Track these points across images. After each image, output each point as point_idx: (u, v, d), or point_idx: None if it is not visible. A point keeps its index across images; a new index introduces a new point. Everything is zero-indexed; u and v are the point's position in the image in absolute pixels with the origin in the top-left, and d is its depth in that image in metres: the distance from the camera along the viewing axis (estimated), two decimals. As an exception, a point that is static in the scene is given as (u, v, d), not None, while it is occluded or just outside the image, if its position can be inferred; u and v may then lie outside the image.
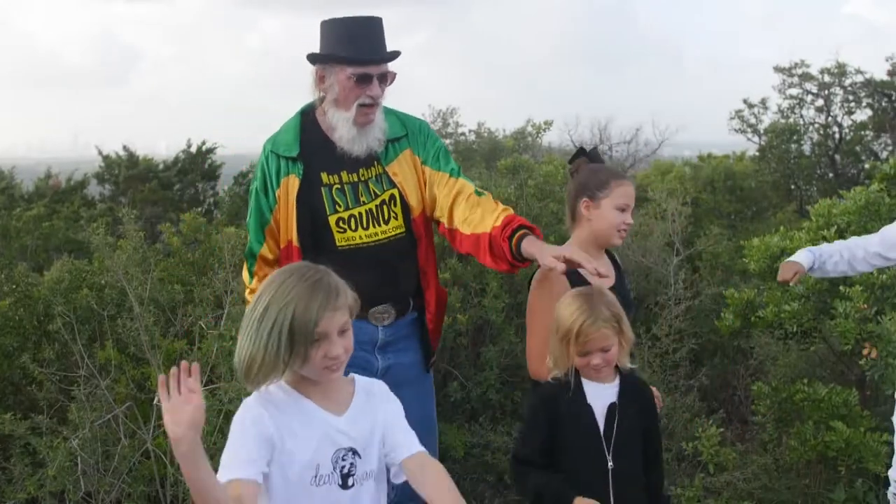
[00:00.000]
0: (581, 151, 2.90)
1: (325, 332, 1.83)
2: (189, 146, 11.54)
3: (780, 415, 3.96)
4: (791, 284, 3.35)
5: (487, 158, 7.69)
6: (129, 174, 10.80)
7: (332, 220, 2.73)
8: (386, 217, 2.77)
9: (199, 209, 10.64)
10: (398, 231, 2.79)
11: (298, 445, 1.88)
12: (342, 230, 2.73)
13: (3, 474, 3.63)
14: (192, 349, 3.72)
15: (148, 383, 3.82)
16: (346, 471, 1.92)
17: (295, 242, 2.72)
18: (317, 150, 2.76)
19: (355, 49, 2.67)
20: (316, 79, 2.78)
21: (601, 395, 2.45)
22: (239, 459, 1.81)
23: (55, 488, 3.36)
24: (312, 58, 2.76)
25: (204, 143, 11.59)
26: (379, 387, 2.08)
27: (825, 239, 4.13)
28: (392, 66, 2.77)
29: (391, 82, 2.77)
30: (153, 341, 3.65)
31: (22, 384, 4.12)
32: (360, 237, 2.74)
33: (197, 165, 11.28)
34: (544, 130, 7.55)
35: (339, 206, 2.74)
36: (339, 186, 2.74)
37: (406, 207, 2.79)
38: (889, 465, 3.44)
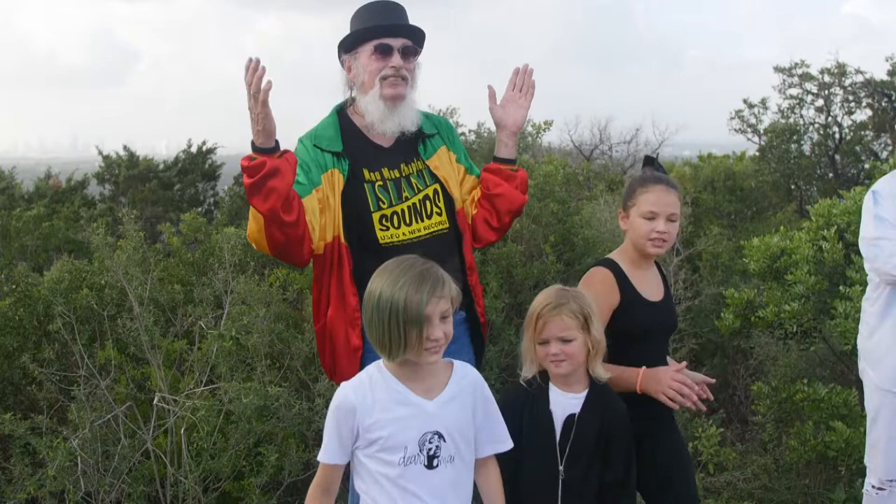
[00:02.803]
0: (645, 160, 2.88)
1: (429, 316, 2.01)
2: (189, 146, 11.55)
3: (780, 415, 3.97)
4: None
5: (487, 158, 7.65)
6: (129, 174, 10.82)
7: (375, 217, 2.69)
8: (429, 212, 2.75)
9: (199, 209, 10.66)
10: (441, 227, 2.77)
11: (387, 427, 2.05)
12: (385, 227, 2.69)
13: (3, 474, 3.63)
14: (192, 349, 3.72)
15: (148, 383, 3.82)
16: (431, 452, 2.08)
17: (342, 239, 2.67)
18: (356, 148, 2.75)
19: (374, 21, 2.74)
20: (345, 71, 2.80)
21: (564, 404, 2.42)
22: (331, 447, 2.08)
23: (55, 488, 3.36)
24: (341, 47, 2.79)
25: (204, 143, 11.61)
26: (473, 374, 2.22)
27: (825, 239, 4.13)
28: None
29: (415, 58, 2.78)
30: (153, 341, 3.65)
31: (22, 384, 4.12)
32: (403, 234, 2.71)
33: (197, 165, 11.29)
34: (544, 130, 7.51)
35: (383, 203, 2.70)
36: (381, 183, 2.72)
37: (450, 201, 2.81)
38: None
